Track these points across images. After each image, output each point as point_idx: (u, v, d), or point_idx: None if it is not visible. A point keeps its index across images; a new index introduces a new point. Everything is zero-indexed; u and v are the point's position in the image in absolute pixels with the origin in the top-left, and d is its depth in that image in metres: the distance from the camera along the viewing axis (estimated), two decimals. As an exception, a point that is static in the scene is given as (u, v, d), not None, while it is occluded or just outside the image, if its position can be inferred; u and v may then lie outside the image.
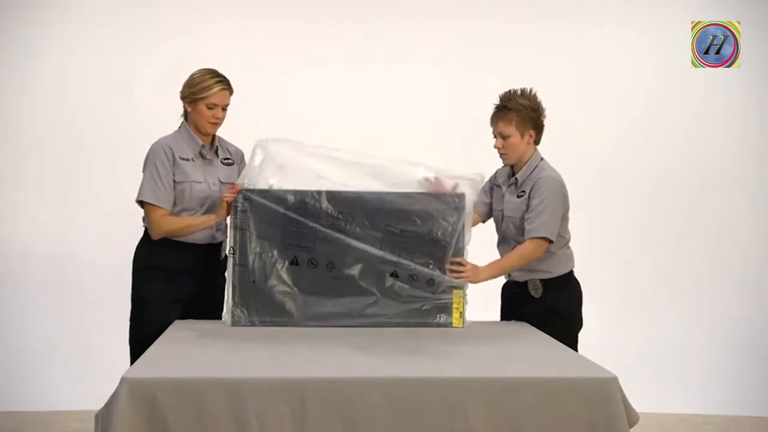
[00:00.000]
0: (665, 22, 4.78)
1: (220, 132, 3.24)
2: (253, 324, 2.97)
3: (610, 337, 4.45)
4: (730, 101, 4.82)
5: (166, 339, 2.79)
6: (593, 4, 4.83)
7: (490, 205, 3.28)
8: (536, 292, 3.13)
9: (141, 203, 3.12)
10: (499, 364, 2.50)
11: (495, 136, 3.14)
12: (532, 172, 3.12)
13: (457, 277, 2.98)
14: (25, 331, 4.59)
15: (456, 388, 2.24)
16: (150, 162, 3.11)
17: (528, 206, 3.08)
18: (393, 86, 4.76)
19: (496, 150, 3.16)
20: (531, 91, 3.12)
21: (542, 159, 3.17)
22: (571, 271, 3.19)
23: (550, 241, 3.05)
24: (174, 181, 3.11)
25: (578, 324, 3.18)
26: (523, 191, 3.11)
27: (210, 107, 3.12)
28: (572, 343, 3.06)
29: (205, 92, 3.10)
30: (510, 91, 3.12)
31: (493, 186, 3.29)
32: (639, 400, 2.56)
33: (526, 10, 4.80)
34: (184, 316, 3.11)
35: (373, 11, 4.78)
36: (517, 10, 4.80)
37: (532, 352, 2.69)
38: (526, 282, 3.15)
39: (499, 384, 2.26)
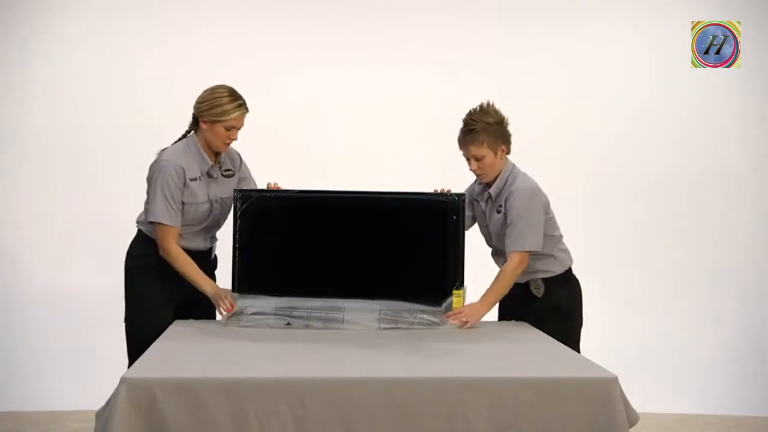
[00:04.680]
0: (665, 22, 4.78)
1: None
2: (252, 324, 2.96)
3: (610, 337, 4.44)
4: (730, 101, 4.81)
5: (166, 339, 2.79)
6: (593, 4, 4.82)
7: (473, 217, 3.27)
8: (538, 291, 3.13)
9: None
10: (499, 364, 2.50)
11: (468, 160, 3.11)
12: (504, 184, 3.10)
13: (459, 324, 2.98)
14: (25, 331, 4.59)
15: (456, 388, 2.24)
16: (162, 181, 3.04)
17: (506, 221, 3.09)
18: (393, 86, 4.76)
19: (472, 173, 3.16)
20: (491, 104, 3.09)
21: (514, 166, 3.15)
22: (570, 269, 3.20)
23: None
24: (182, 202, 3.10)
25: (580, 322, 3.18)
26: (501, 206, 3.10)
27: (228, 129, 3.09)
28: (575, 341, 3.06)
29: (226, 116, 3.06)
30: (471, 111, 3.08)
31: (472, 200, 3.26)
32: (639, 400, 2.57)
33: (526, 10, 4.80)
34: (177, 316, 3.11)
35: (373, 12, 4.77)
36: (517, 11, 4.79)
37: (532, 352, 2.68)
38: (527, 282, 3.15)
39: (499, 384, 2.26)
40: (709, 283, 4.81)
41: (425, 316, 2.98)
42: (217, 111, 3.06)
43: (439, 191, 3.09)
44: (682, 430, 4.46)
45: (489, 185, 3.16)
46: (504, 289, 3.06)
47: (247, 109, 3.12)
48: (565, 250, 3.20)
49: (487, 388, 2.24)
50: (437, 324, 2.99)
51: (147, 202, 3.12)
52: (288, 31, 4.73)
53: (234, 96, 3.10)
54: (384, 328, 2.95)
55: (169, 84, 4.49)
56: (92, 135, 4.64)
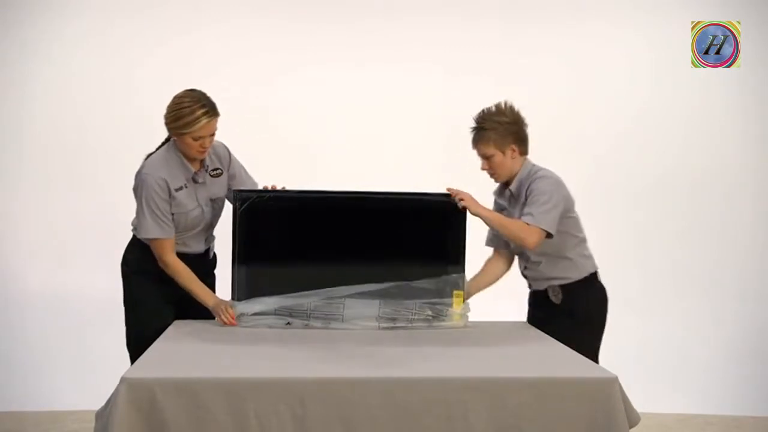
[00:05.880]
0: (665, 22, 4.77)
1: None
2: (253, 324, 2.96)
3: (610, 337, 4.43)
4: (730, 101, 4.81)
5: (166, 339, 2.79)
6: (593, 4, 4.81)
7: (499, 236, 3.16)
8: (556, 298, 3.06)
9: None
10: (499, 364, 2.50)
11: (481, 158, 3.06)
12: (524, 178, 3.04)
13: (457, 199, 2.92)
14: (25, 331, 4.59)
15: (456, 388, 2.24)
16: (147, 196, 2.98)
17: None
18: (393, 86, 4.75)
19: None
20: (506, 104, 3.03)
21: (534, 165, 3.08)
22: (592, 275, 3.09)
23: (549, 236, 2.93)
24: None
25: (598, 332, 3.08)
26: (525, 198, 3.01)
27: (196, 139, 2.95)
28: (592, 352, 2.92)
29: (190, 127, 2.91)
30: (483, 110, 3.04)
31: (498, 211, 3.15)
32: (639, 400, 2.56)
33: (526, 10, 4.79)
34: (177, 314, 3.11)
35: (373, 12, 4.77)
36: (517, 11, 4.79)
37: (532, 352, 2.69)
38: (545, 289, 3.09)
39: (499, 384, 2.26)
40: (709, 283, 4.80)
41: (425, 312, 2.98)
42: (181, 123, 2.92)
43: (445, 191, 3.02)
44: (682, 430, 4.46)
45: (507, 185, 3.10)
46: (504, 222, 2.93)
47: (215, 114, 2.96)
48: (588, 256, 3.10)
49: (487, 388, 2.24)
50: (437, 320, 2.98)
51: (136, 217, 3.07)
52: (288, 31, 4.72)
53: (197, 104, 2.93)
54: (384, 327, 2.95)
55: (169, 84, 4.46)
56: (92, 135, 4.64)
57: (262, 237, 3.00)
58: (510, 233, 2.94)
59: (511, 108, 3.04)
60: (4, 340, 4.58)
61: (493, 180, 3.13)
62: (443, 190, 3.00)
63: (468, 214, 3.00)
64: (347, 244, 3.02)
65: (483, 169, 3.08)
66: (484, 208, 2.96)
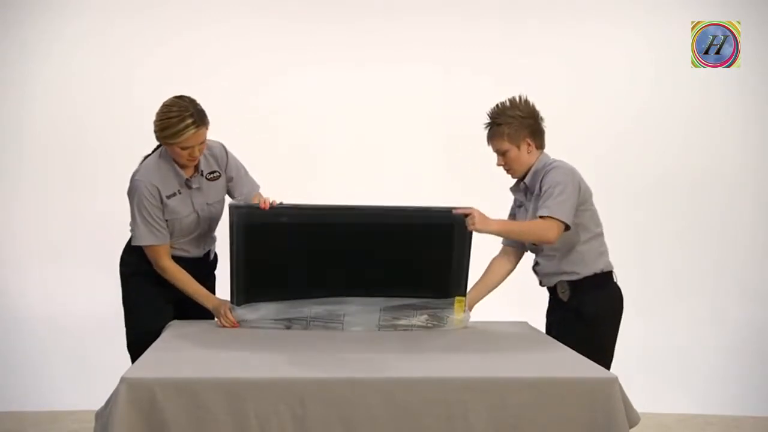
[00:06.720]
0: (665, 22, 4.78)
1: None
2: (254, 324, 2.96)
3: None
4: (730, 101, 4.81)
5: (165, 339, 2.79)
6: (593, 4, 4.82)
7: (521, 244, 3.13)
8: (564, 295, 3.01)
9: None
10: (499, 364, 2.50)
11: (496, 154, 3.03)
12: (539, 170, 2.98)
13: (464, 217, 2.84)
14: (25, 331, 4.59)
15: (456, 388, 2.24)
16: (138, 203, 2.94)
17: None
18: (393, 86, 4.76)
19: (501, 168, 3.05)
20: (521, 99, 3.01)
21: (549, 158, 3.04)
22: (605, 274, 3.02)
23: (567, 227, 2.87)
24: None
25: (608, 333, 3.00)
26: (540, 190, 2.96)
27: (185, 148, 2.89)
28: (601, 354, 2.76)
29: (177, 137, 2.84)
30: (498, 105, 3.01)
31: (515, 210, 3.14)
32: (639, 400, 2.56)
33: (526, 10, 4.79)
34: (177, 313, 3.11)
35: (373, 12, 4.77)
36: (517, 11, 4.79)
37: (532, 352, 2.69)
38: (555, 285, 3.04)
39: (499, 384, 2.26)
40: (709, 283, 4.80)
41: (424, 317, 2.97)
42: (168, 133, 2.86)
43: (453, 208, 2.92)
44: (682, 430, 4.46)
45: (523, 179, 3.04)
46: (517, 231, 2.92)
47: (203, 124, 2.89)
48: (602, 253, 3.02)
49: (487, 388, 2.24)
50: (437, 326, 2.97)
51: (131, 223, 3.06)
52: (288, 31, 4.72)
53: (184, 114, 2.85)
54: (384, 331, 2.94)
55: (169, 84, 4.48)
56: (92, 135, 4.64)
57: (261, 250, 2.90)
58: (529, 235, 2.93)
59: (526, 102, 3.02)
60: (4, 340, 4.58)
61: (510, 176, 3.08)
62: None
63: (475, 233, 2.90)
64: (346, 255, 2.94)
65: (499, 165, 3.05)
66: (494, 222, 2.86)
